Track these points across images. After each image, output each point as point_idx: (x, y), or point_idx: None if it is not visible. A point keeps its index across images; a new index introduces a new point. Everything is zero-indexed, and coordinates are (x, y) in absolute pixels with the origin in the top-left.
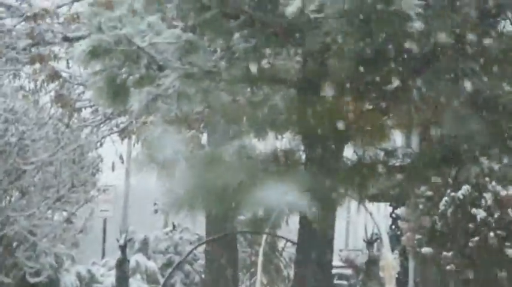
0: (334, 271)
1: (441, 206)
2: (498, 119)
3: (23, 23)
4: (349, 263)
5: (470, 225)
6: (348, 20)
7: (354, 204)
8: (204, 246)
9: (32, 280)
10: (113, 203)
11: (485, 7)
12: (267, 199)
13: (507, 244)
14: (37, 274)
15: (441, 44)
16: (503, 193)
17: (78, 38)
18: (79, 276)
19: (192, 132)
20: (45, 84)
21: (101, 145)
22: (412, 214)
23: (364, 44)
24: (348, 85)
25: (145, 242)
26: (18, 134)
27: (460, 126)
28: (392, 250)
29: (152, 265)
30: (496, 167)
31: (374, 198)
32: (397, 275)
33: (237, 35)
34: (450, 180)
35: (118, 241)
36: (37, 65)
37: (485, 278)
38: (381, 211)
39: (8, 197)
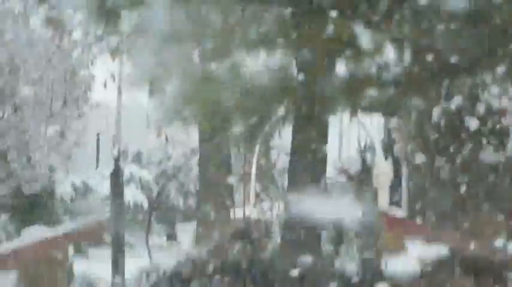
0: (327, 180)
1: (434, 117)
2: (491, 32)
3: None
4: (342, 172)
5: (463, 135)
6: None
7: (346, 115)
8: (197, 157)
9: (27, 191)
10: (106, 120)
11: None
12: (260, 112)
13: (501, 152)
14: (32, 184)
15: None
16: (496, 103)
17: None
18: (74, 186)
19: (183, 49)
20: (36, 7)
21: (92, 63)
22: (405, 124)
23: None
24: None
25: (138, 155)
26: (8, 55)
27: (453, 39)
28: (386, 159)
29: (146, 175)
30: (489, 78)
31: (367, 109)
32: (390, 184)
33: None
34: (443, 91)
35: (111, 153)
36: None
37: (477, 184)
38: (374, 121)
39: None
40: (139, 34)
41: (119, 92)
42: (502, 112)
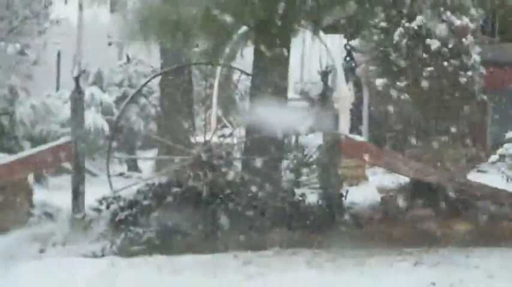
0: (289, 103)
1: (396, 37)
2: None
3: None
4: (304, 95)
5: (425, 55)
6: None
7: (308, 36)
8: (159, 79)
9: None
10: (67, 35)
11: None
12: (222, 29)
13: (461, 72)
14: None
15: None
16: (457, 22)
17: None
18: (34, 108)
19: None
20: None
21: None
22: (366, 45)
23: None
24: None
25: (99, 75)
26: None
27: None
28: (347, 82)
29: (107, 98)
30: None
31: (329, 30)
32: (351, 107)
33: None
34: (405, 10)
35: (72, 72)
36: None
37: (437, 106)
38: (336, 43)
39: None
40: None
41: (80, 8)
42: (463, 31)
